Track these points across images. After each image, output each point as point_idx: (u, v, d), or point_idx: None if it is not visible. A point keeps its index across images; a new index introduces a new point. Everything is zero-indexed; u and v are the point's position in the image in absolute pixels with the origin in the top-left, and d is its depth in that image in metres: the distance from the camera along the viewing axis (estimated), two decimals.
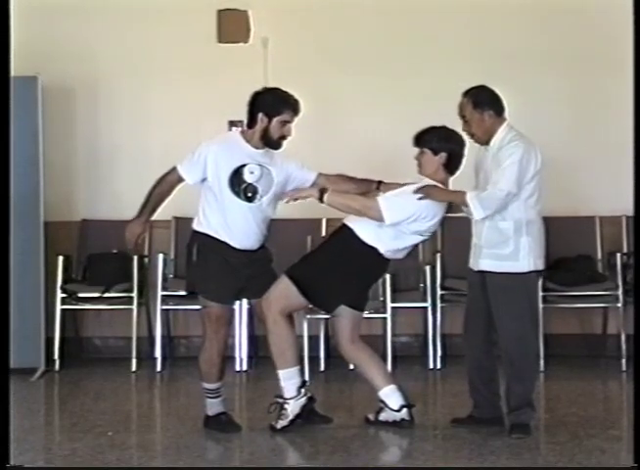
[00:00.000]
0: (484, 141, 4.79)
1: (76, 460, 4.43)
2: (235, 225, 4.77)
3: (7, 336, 4.11)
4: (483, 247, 4.76)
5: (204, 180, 4.81)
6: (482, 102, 4.77)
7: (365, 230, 4.80)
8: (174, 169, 4.83)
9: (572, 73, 6.88)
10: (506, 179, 4.64)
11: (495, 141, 4.76)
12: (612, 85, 6.85)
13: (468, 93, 4.80)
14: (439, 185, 4.86)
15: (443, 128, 4.88)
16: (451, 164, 4.88)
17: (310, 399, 4.86)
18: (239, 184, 4.76)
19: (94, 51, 6.89)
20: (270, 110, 4.77)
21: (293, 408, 4.80)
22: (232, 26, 6.91)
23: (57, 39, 6.83)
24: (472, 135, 4.80)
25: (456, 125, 4.86)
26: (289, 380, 4.80)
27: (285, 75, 6.85)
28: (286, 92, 4.85)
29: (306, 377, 5.17)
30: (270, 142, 4.80)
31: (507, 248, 4.72)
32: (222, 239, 4.78)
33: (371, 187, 4.90)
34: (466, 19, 6.84)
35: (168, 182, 4.84)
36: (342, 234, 4.85)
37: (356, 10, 6.85)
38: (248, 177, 4.77)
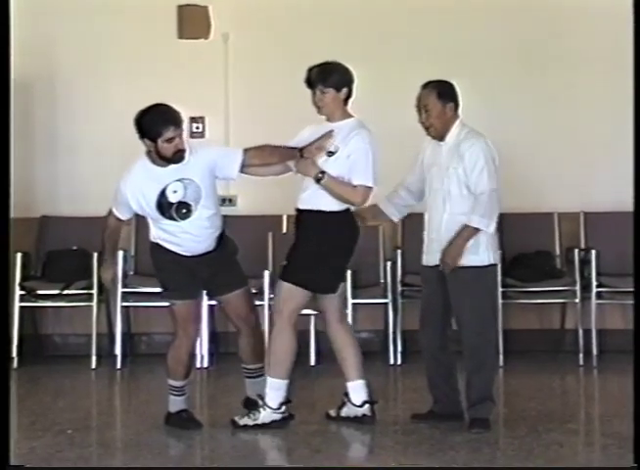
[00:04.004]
0: (440, 135, 4.79)
1: (35, 459, 4.40)
2: (180, 240, 4.76)
3: (8, 339, 4.01)
4: (443, 241, 4.77)
5: None
6: (446, 93, 4.78)
7: (323, 199, 4.74)
8: (111, 212, 4.84)
9: (531, 71, 6.92)
10: (483, 181, 4.67)
11: (451, 137, 4.77)
12: (570, 82, 6.92)
13: (430, 84, 4.80)
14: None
15: (335, 64, 4.79)
16: (349, 97, 4.81)
17: (284, 419, 4.77)
18: (169, 209, 4.71)
19: (52, 46, 6.83)
20: (150, 134, 4.63)
21: (264, 417, 4.76)
22: (192, 22, 6.88)
23: (13, 33, 6.73)
24: (428, 127, 4.79)
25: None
26: (275, 390, 4.76)
27: (245, 71, 6.86)
28: (160, 109, 4.65)
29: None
30: (168, 160, 4.68)
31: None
32: (172, 249, 4.79)
33: (295, 155, 4.78)
34: (428, 17, 6.86)
35: (112, 225, 4.87)
36: (308, 218, 4.78)
37: (316, 6, 6.86)
38: (173, 198, 4.69)
